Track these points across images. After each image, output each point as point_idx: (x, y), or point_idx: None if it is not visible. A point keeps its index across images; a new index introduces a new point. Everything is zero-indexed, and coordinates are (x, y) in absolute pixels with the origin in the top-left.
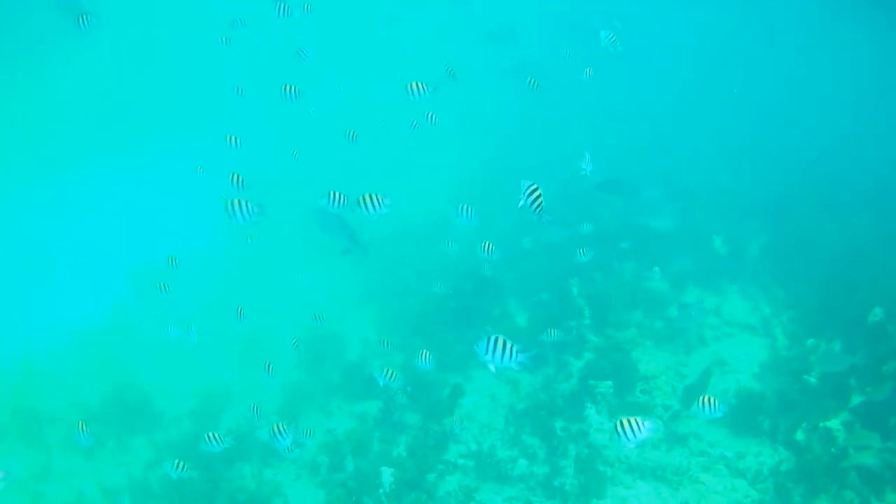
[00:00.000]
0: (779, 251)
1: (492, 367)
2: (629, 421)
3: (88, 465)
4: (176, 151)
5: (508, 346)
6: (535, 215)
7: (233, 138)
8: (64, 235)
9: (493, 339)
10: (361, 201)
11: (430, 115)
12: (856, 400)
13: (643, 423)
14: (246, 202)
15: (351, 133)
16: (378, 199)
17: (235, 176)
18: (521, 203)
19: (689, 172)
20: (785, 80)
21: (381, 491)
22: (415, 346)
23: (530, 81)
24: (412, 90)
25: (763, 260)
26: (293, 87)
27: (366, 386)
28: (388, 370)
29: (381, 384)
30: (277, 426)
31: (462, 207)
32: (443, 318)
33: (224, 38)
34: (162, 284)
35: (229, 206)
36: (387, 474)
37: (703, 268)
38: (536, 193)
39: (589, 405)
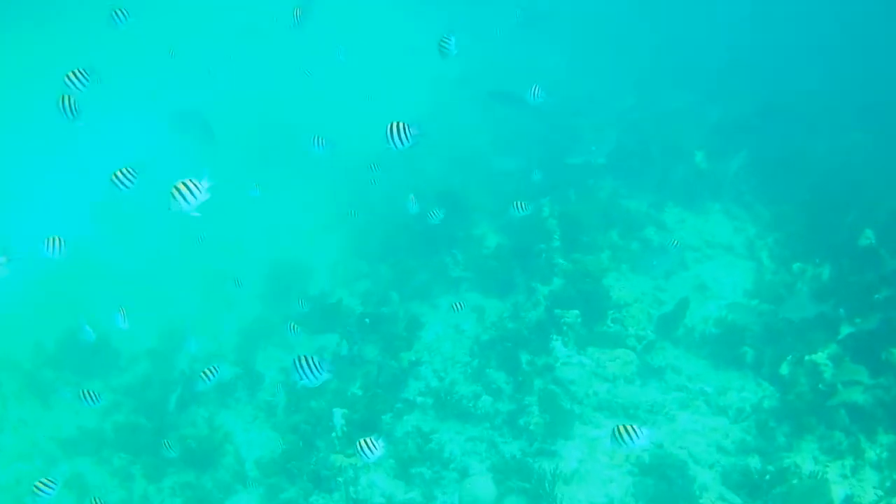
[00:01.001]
0: (763, 169)
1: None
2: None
3: (44, 413)
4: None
5: (315, 361)
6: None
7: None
8: (16, 173)
9: (300, 357)
10: (175, 192)
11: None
12: (845, 331)
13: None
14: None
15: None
16: (196, 186)
17: None
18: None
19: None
20: None
21: (333, 434)
22: (379, 273)
23: None
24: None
25: (747, 178)
26: (82, 71)
27: (327, 317)
28: (292, 324)
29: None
30: None
31: (315, 138)
32: (407, 242)
33: None
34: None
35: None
36: (338, 416)
37: (682, 186)
38: (399, 126)
39: (555, 336)
